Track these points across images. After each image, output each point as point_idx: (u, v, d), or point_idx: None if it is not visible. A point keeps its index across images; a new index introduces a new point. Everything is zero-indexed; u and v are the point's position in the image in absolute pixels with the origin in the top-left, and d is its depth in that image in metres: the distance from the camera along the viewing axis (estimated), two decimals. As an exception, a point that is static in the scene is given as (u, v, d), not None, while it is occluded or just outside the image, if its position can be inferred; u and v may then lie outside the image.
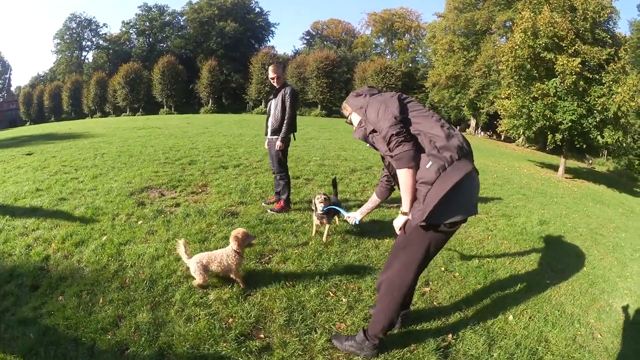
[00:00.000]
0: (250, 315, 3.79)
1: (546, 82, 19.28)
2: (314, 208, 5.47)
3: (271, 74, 6.80)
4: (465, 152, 2.97)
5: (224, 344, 3.42)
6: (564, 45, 18.82)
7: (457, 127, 52.32)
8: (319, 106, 58.95)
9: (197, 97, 69.49)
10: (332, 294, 4.20)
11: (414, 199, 3.03)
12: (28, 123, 77.14)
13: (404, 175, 2.97)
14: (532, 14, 19.89)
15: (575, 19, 19.28)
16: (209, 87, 66.46)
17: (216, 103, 68.02)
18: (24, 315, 3.91)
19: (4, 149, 17.88)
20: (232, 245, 4.17)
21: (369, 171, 10.60)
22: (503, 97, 22.28)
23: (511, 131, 21.80)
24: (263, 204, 7.31)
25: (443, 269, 4.96)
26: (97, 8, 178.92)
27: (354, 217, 4.18)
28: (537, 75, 20.10)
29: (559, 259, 5.87)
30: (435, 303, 4.23)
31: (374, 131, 3.11)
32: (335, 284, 4.39)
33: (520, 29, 19.77)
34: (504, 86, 23.17)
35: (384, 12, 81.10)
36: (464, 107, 51.56)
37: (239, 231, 4.23)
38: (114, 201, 7.27)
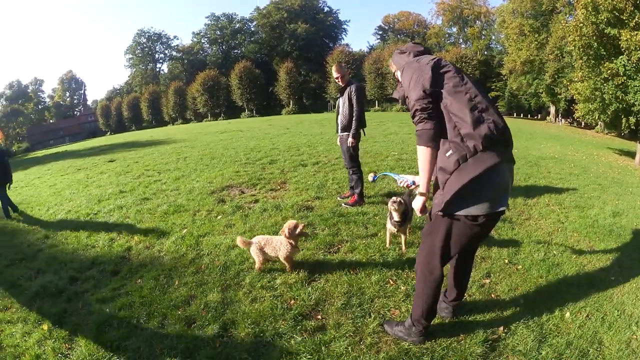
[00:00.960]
0: (311, 298, 4.07)
1: (615, 61, 18.08)
2: (388, 216, 5.22)
3: (335, 74, 7.20)
4: (493, 141, 2.82)
5: (283, 322, 3.75)
6: (624, 18, 17.50)
7: (537, 115, 50.62)
8: (400, 101, 58.59)
9: (278, 99, 71.60)
10: (392, 282, 4.36)
11: (429, 178, 3.00)
12: (108, 133, 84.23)
13: (421, 154, 2.96)
14: None
15: None
16: (288, 88, 68.31)
17: (297, 104, 69.81)
18: (103, 295, 4.53)
19: (85, 158, 19.74)
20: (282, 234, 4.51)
21: None
22: (576, 80, 21.21)
23: (587, 116, 20.50)
24: (338, 198, 7.62)
25: (507, 261, 4.93)
26: (163, 23, 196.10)
27: (406, 179, 3.91)
28: (605, 53, 18.77)
29: (628, 255, 5.53)
30: (493, 295, 4.22)
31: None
32: (397, 273, 4.55)
33: (581, 4, 18.78)
34: (577, 68, 22.02)
35: None
36: (542, 93, 49.67)
37: (288, 223, 4.51)
38: (196, 199, 8.01)
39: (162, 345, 3.51)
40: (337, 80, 7.23)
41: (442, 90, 2.93)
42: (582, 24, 18.78)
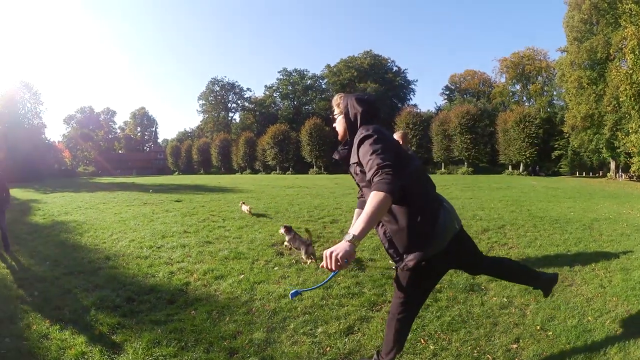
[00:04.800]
0: (346, 348, 4.41)
1: None
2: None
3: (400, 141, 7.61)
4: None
5: (315, 364, 4.21)
6: None
7: (599, 172, 51.00)
8: (465, 163, 58.93)
9: (346, 157, 72.17)
10: (423, 342, 4.58)
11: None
12: (176, 173, 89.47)
13: None
14: (635, 29, 18.25)
15: None
16: (357, 148, 68.91)
17: (364, 164, 70.21)
18: (157, 317, 5.11)
19: (152, 194, 20.65)
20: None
21: (500, 230, 10.66)
22: (630, 131, 20.34)
23: None
24: (390, 261, 7.92)
25: (539, 327, 5.00)
26: (235, 73, 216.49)
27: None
28: (658, 101, 18.12)
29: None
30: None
31: None
32: (430, 334, 4.77)
33: (629, 49, 18.21)
34: (633, 119, 21.08)
35: (513, 55, 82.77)
36: (602, 149, 48.38)
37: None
38: (256, 249, 8.62)
39: (204, 367, 3.93)
40: None
41: None
42: (632, 70, 18.32)
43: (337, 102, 3.53)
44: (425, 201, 3.19)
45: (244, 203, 14.76)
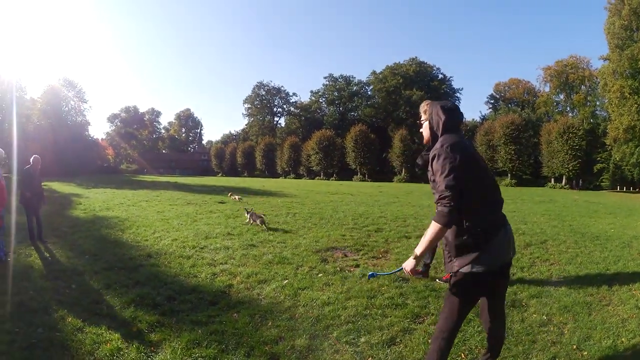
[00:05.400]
0: (388, 359, 4.39)
1: None
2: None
3: None
4: None
5: (357, 372, 4.16)
6: None
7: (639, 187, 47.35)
8: (509, 175, 57.62)
9: (390, 165, 72.26)
10: (463, 356, 4.54)
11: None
12: (219, 175, 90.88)
13: None
14: None
15: None
16: (402, 156, 68.68)
17: (409, 172, 69.60)
18: (198, 318, 5.17)
19: (195, 194, 21.24)
20: None
21: (542, 245, 10.31)
22: None
23: None
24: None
25: (575, 347, 4.93)
26: (282, 79, 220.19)
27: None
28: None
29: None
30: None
31: None
32: (470, 349, 4.71)
33: None
34: None
35: (556, 63, 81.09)
36: None
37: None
38: (300, 255, 8.63)
39: (245, 371, 3.92)
40: None
41: None
42: None
43: (424, 109, 3.84)
44: (484, 217, 3.35)
45: (232, 194, 17.12)
